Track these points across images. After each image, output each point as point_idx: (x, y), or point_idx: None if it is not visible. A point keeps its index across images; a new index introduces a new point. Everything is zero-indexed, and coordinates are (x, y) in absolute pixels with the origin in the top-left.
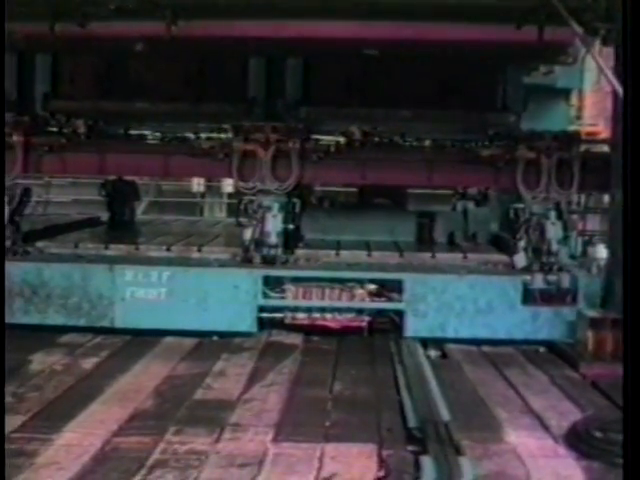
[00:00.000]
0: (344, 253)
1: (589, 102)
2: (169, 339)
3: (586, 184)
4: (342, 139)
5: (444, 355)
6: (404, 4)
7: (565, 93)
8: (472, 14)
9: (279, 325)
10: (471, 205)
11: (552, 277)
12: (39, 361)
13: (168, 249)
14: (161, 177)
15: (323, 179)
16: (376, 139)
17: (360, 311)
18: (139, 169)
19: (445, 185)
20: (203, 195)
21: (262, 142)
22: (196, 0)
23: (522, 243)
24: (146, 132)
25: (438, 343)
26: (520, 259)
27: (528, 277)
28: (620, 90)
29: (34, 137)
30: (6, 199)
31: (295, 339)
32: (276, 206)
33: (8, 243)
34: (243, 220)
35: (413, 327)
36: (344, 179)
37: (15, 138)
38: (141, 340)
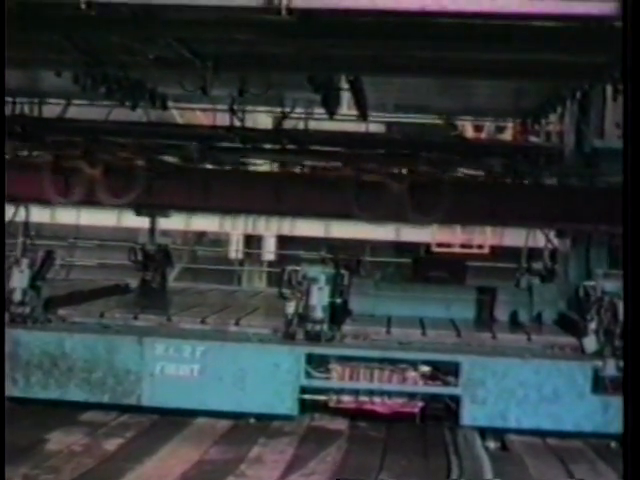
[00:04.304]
0: (395, 331)
1: None
2: (201, 420)
3: None
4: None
5: (504, 447)
6: None
7: None
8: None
9: (323, 408)
10: (536, 281)
11: None
12: (57, 440)
13: (203, 321)
14: None
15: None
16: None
17: (412, 395)
18: None
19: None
20: (241, 263)
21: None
22: (239, 50)
23: (593, 325)
24: None
25: (498, 433)
26: (590, 342)
27: (599, 363)
28: None
29: None
30: (27, 262)
31: (340, 424)
32: (323, 278)
33: (28, 310)
34: (286, 291)
35: (470, 415)
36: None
37: None
38: (170, 420)
